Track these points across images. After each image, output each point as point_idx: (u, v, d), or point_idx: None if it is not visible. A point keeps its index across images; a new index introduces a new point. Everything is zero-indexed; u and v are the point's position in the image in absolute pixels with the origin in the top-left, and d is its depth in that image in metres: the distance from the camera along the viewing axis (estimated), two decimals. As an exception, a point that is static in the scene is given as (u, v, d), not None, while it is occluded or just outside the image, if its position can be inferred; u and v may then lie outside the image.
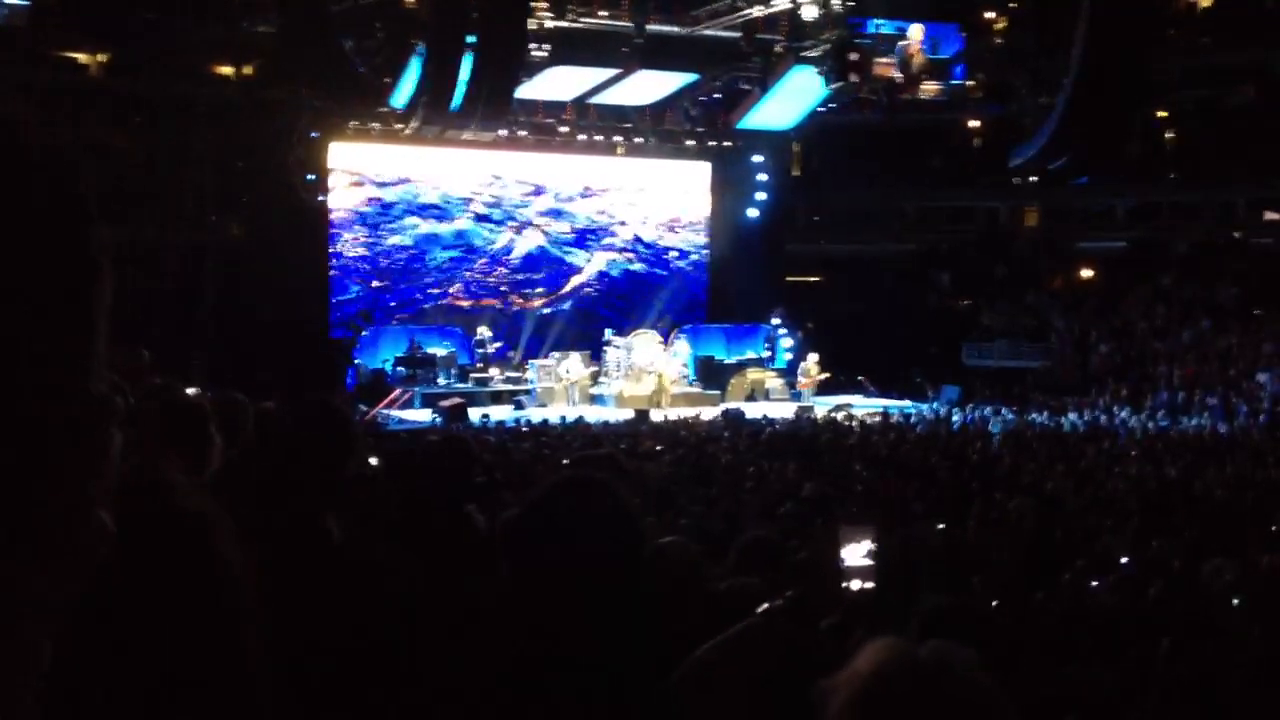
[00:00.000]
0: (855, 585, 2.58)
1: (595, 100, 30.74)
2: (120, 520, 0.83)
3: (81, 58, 27.30)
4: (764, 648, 2.44)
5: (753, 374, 29.40)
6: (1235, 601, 7.14)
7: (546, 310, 31.50)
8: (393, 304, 30.13)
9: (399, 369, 27.10)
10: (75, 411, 0.79)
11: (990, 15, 35.76)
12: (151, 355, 6.44)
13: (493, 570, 4.19)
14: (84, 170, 0.81)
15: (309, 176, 28.05)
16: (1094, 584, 7.96)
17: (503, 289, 31.26)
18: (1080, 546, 9.35)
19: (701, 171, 33.53)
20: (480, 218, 31.00)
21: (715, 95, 32.08)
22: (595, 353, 28.41)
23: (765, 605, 2.52)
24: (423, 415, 23.63)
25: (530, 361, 28.58)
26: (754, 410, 24.81)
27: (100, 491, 0.82)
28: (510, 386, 27.33)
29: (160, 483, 0.95)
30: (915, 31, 32.21)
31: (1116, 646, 6.39)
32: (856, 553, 2.58)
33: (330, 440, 3.76)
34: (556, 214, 31.93)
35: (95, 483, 0.81)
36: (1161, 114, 34.50)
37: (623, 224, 32.86)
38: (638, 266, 33.05)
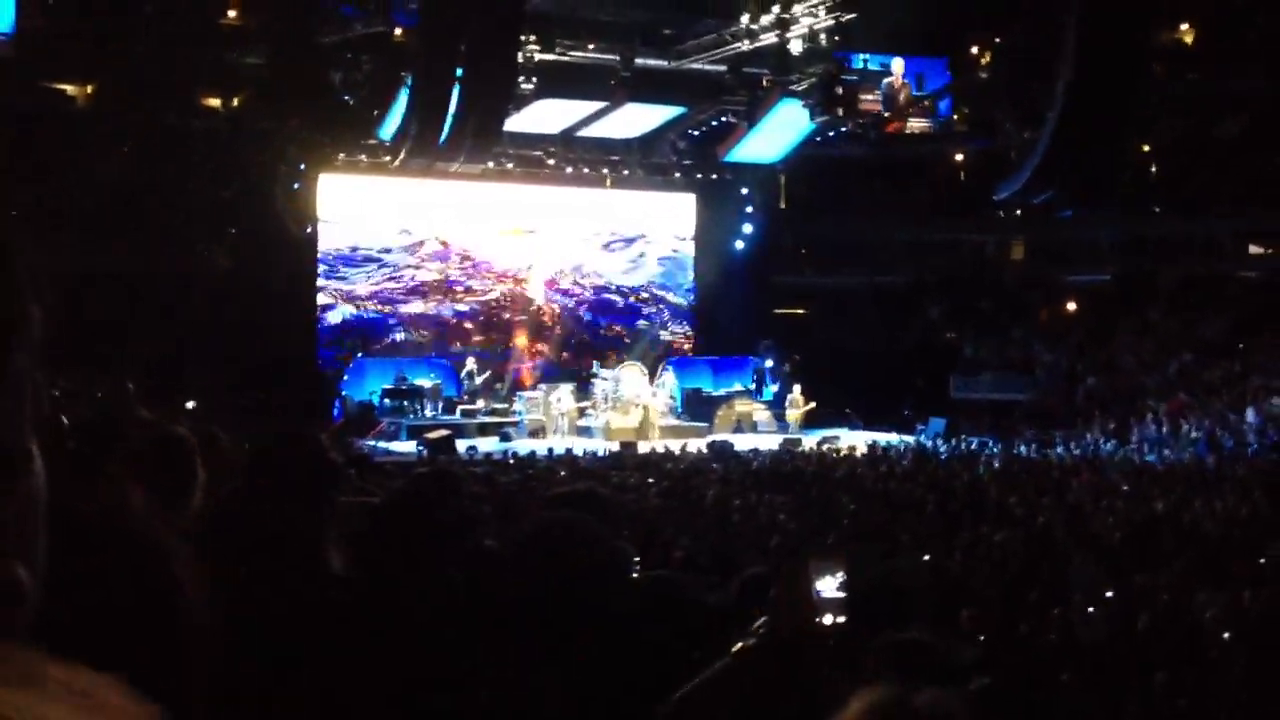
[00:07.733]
0: (828, 620, 2.49)
1: (583, 133, 30.83)
2: (72, 542, 0.78)
3: (69, 89, 27.24)
4: (740, 687, 2.40)
5: (740, 406, 29.34)
6: (1224, 635, 7.13)
7: (534, 342, 31.48)
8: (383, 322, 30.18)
9: (386, 401, 27.01)
10: None
11: (975, 49, 35.98)
12: (137, 386, 6.41)
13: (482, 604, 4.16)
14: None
15: (297, 208, 28.05)
16: (1081, 617, 7.94)
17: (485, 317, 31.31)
18: (1067, 579, 9.34)
19: (688, 204, 33.62)
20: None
21: (702, 129, 32.20)
22: (582, 385, 28.37)
23: (739, 644, 2.46)
24: (408, 447, 23.53)
25: (517, 393, 28.52)
26: (741, 442, 24.77)
27: (8, 540, 0.76)
28: (497, 419, 27.22)
29: (118, 510, 0.92)
30: (898, 66, 32.53)
31: (1104, 679, 6.37)
32: (830, 585, 2.50)
33: (317, 472, 3.76)
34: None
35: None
36: (1146, 147, 34.64)
37: (608, 256, 32.88)
38: (624, 299, 33.06)
